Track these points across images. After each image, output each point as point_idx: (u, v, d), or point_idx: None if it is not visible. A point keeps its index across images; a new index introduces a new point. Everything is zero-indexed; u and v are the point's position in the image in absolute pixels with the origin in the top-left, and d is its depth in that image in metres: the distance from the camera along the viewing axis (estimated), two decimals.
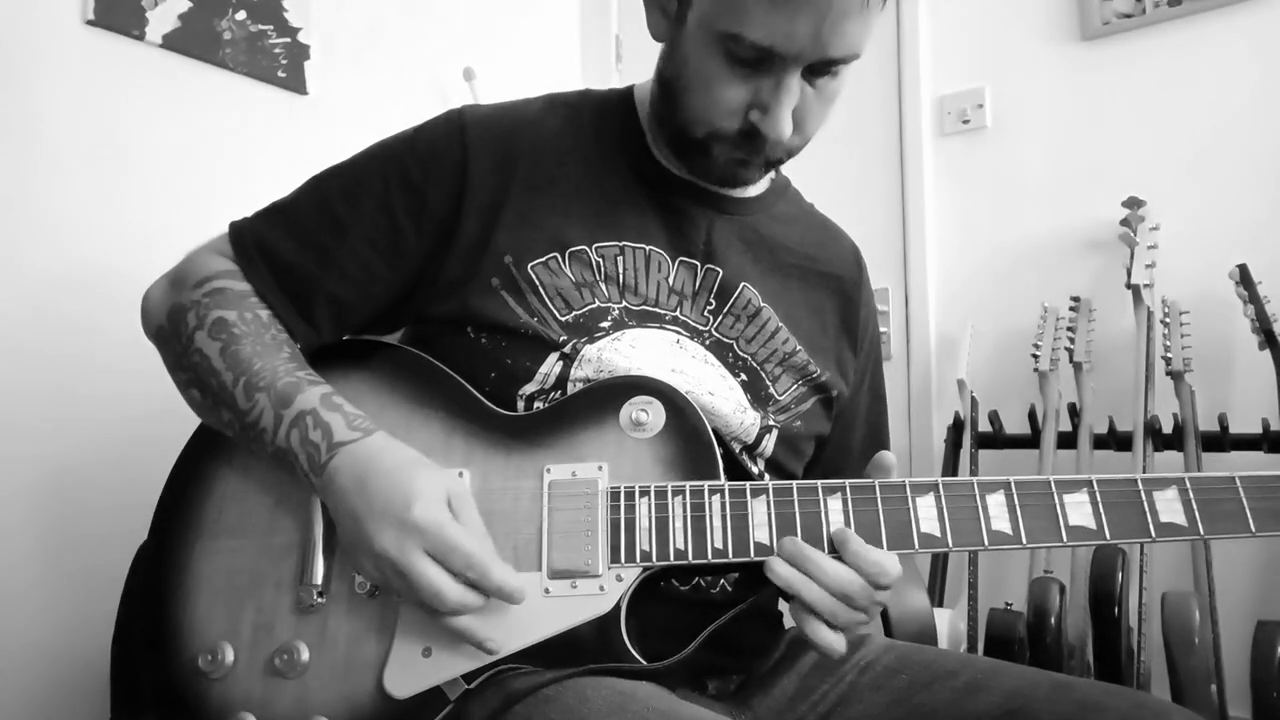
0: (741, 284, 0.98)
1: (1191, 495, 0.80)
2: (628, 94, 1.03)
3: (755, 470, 0.97)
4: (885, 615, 1.04)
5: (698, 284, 0.97)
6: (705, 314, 0.97)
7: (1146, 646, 1.76)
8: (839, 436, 1.08)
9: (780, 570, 0.78)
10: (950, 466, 2.22)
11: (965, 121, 2.44)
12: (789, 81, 0.83)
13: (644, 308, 0.94)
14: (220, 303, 0.89)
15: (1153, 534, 0.79)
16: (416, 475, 0.78)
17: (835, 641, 0.79)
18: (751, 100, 0.85)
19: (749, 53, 0.82)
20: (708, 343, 0.96)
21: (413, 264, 0.93)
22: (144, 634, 0.86)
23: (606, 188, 0.96)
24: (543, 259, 0.92)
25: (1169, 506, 0.80)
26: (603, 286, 0.93)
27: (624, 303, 0.93)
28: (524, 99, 1.01)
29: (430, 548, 0.75)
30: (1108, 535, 0.79)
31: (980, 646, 1.81)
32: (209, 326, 0.87)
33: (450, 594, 0.75)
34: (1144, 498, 0.80)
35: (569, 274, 0.92)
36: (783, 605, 1.06)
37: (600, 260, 0.93)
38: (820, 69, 0.84)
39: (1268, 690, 1.52)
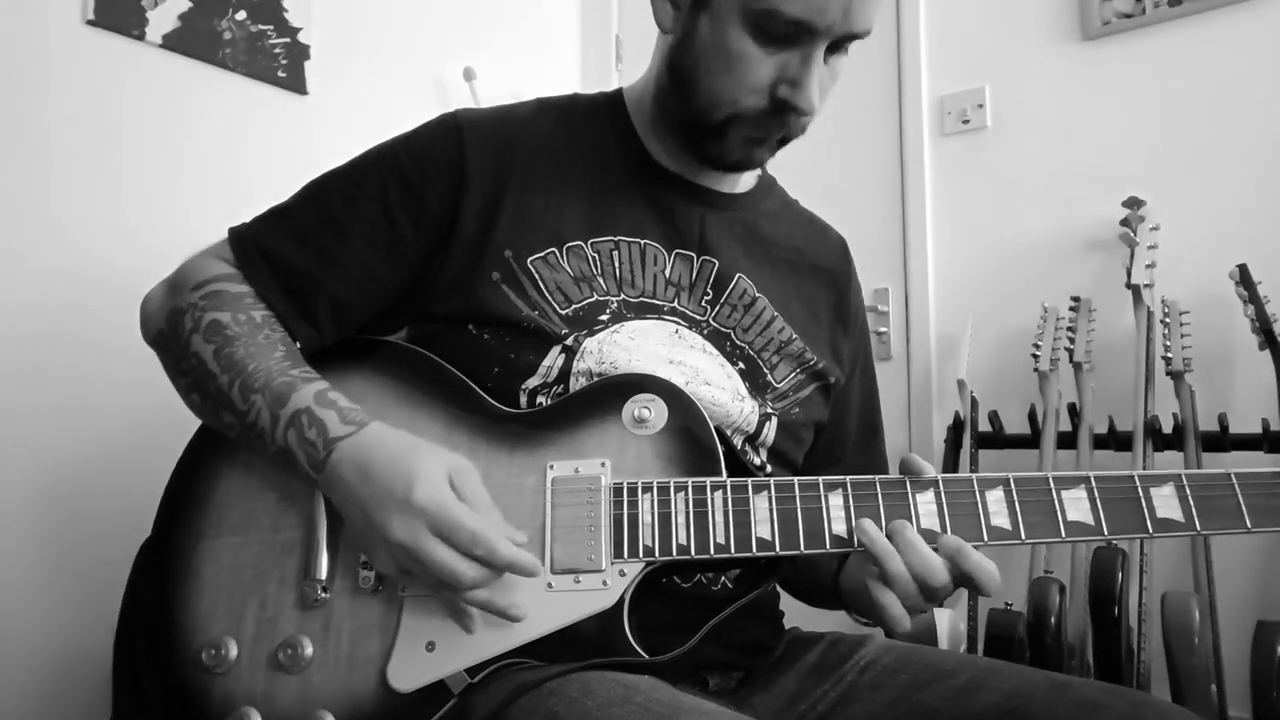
0: (737, 275, 1.00)
1: (1188, 492, 0.80)
2: (616, 95, 1.05)
3: (757, 461, 0.98)
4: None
5: (694, 275, 0.98)
6: (703, 304, 0.98)
7: (1146, 646, 1.76)
8: (834, 425, 1.10)
9: (870, 531, 0.80)
10: (950, 466, 2.22)
11: (965, 121, 2.44)
12: (816, 55, 0.87)
13: (641, 300, 0.95)
14: (216, 305, 0.89)
15: (1150, 530, 0.80)
16: (416, 458, 0.79)
17: (901, 619, 0.80)
18: (778, 76, 0.88)
19: (783, 28, 0.85)
20: (706, 332, 0.97)
21: (412, 263, 0.94)
22: (147, 630, 0.87)
23: (601, 184, 0.98)
24: (541, 254, 0.93)
25: (1166, 503, 0.80)
26: (600, 280, 0.94)
27: (621, 295, 0.95)
28: (515, 103, 1.03)
29: (435, 528, 0.76)
30: (1106, 531, 0.80)
31: (980, 646, 1.81)
32: (204, 329, 0.88)
33: (467, 573, 0.76)
34: (1141, 494, 0.81)
35: (567, 268, 0.93)
36: (782, 605, 1.06)
37: (596, 255, 0.95)
38: (837, 45, 0.88)
39: (1268, 690, 1.52)
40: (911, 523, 0.81)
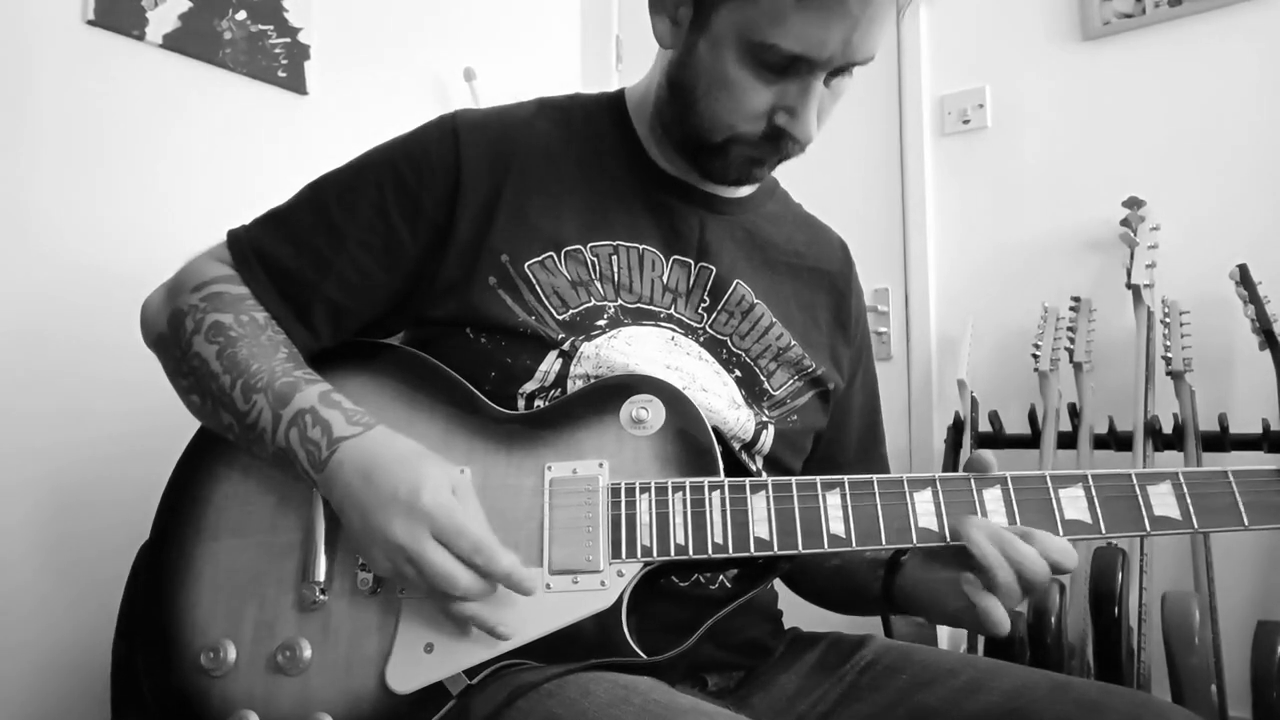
0: (735, 281, 0.99)
1: (1185, 489, 0.80)
2: (618, 96, 1.04)
3: (754, 468, 0.98)
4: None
5: (691, 281, 0.98)
6: (699, 311, 0.97)
7: (1147, 646, 1.76)
8: (834, 431, 1.09)
9: (984, 545, 0.77)
10: (950, 466, 2.22)
11: (965, 121, 2.44)
12: (815, 85, 0.86)
13: (639, 305, 0.95)
14: (217, 306, 0.89)
15: (1147, 527, 0.80)
16: (422, 464, 0.79)
17: (1003, 621, 0.79)
18: (776, 104, 0.87)
19: (780, 60, 0.84)
20: (702, 339, 0.97)
21: (409, 267, 0.94)
22: (146, 633, 0.86)
23: (599, 188, 0.98)
24: (539, 258, 0.93)
25: (1163, 500, 0.80)
26: (598, 285, 0.94)
27: (619, 301, 0.94)
28: (515, 103, 1.02)
29: (438, 533, 0.75)
30: (1103, 529, 0.80)
31: (980, 646, 1.81)
32: (206, 330, 0.87)
33: (462, 578, 0.75)
34: (1138, 492, 0.81)
35: (565, 273, 0.93)
36: (782, 604, 1.06)
37: (595, 259, 0.94)
38: (840, 71, 0.87)
39: (1268, 690, 1.52)
40: (910, 521, 0.81)
